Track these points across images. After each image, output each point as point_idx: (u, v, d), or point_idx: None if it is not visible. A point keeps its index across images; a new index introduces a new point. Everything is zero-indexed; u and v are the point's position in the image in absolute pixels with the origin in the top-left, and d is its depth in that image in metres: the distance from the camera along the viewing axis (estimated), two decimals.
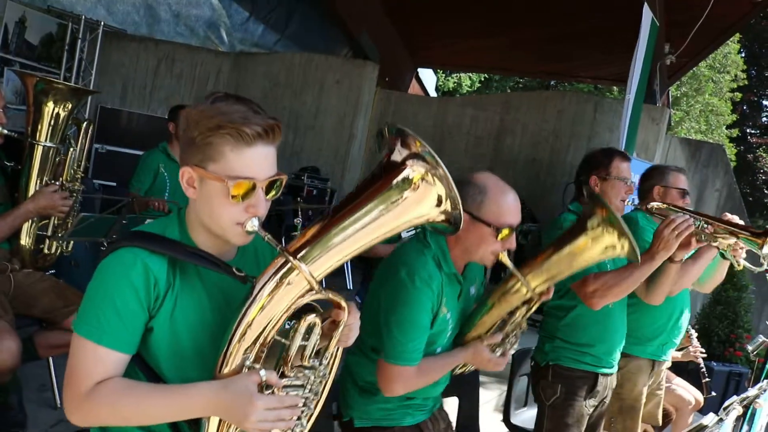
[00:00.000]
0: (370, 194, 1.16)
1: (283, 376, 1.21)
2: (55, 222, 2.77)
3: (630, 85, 6.04)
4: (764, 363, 2.67)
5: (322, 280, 1.19)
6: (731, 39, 18.22)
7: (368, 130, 8.95)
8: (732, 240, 2.20)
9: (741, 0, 7.46)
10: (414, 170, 1.15)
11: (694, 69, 15.63)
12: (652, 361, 2.79)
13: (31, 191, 2.59)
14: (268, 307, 1.15)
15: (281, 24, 10.35)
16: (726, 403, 1.76)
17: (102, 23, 7.32)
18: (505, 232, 1.82)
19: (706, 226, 2.22)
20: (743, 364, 5.78)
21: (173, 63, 8.27)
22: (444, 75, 19.90)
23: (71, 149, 2.74)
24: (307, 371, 1.23)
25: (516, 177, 8.73)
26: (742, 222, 2.37)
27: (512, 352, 2.02)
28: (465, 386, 2.57)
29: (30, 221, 2.62)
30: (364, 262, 5.97)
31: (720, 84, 20.87)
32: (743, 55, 22.12)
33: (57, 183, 2.59)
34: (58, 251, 2.86)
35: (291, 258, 1.14)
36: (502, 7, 9.14)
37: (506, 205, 1.84)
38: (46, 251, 2.80)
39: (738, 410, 1.75)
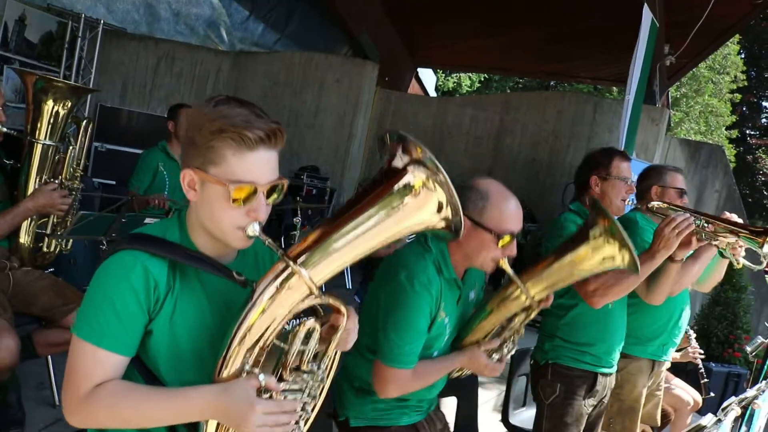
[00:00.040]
0: (371, 200, 1.16)
1: (281, 379, 1.21)
2: (54, 220, 2.77)
3: (629, 86, 6.04)
4: (763, 364, 2.66)
5: (322, 285, 1.19)
6: (731, 40, 18.22)
7: (368, 129, 8.95)
8: (732, 239, 2.21)
9: (741, 1, 7.46)
10: (415, 176, 1.14)
11: (693, 70, 15.64)
12: (652, 361, 2.79)
13: (31, 189, 2.59)
14: (268, 312, 1.16)
15: (281, 23, 10.34)
16: (724, 404, 1.76)
17: (102, 22, 7.31)
18: (506, 238, 1.82)
19: (706, 225, 2.22)
20: (742, 365, 5.79)
21: (173, 62, 8.27)
22: (444, 75, 19.90)
23: (71, 147, 2.74)
24: (305, 375, 1.23)
25: (515, 177, 8.73)
26: (740, 220, 2.38)
27: (509, 357, 2.02)
28: (463, 386, 2.57)
29: (29, 219, 2.61)
30: (363, 262, 5.96)
31: (720, 85, 20.88)
32: (743, 56, 22.12)
33: (56, 181, 2.58)
34: (57, 249, 2.86)
35: (291, 263, 1.14)
36: (502, 7, 9.14)
37: (508, 211, 1.84)
38: (45, 249, 2.79)
39: (736, 411, 1.75)
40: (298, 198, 5.47)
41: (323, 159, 8.36)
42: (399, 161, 1.16)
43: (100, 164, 7.06)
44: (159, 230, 1.31)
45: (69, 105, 2.63)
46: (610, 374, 2.54)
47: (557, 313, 2.48)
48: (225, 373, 1.19)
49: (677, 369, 3.59)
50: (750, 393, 1.92)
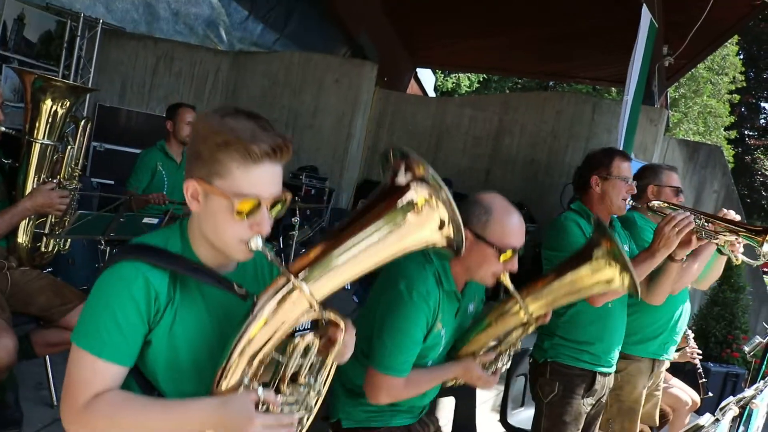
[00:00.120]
0: (373, 216, 1.17)
1: (278, 392, 1.22)
2: (53, 220, 2.77)
3: (628, 87, 6.04)
4: (761, 364, 2.66)
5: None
6: (730, 41, 18.26)
7: (367, 129, 8.95)
8: (732, 238, 2.21)
9: (739, 2, 7.47)
10: (418, 193, 1.15)
11: (692, 71, 15.65)
12: (652, 360, 2.79)
13: (29, 189, 2.58)
14: (269, 326, 1.16)
15: (280, 23, 10.34)
16: (722, 404, 1.76)
17: (101, 21, 7.31)
18: (508, 253, 1.82)
19: (706, 224, 2.22)
20: (740, 365, 5.79)
21: (172, 61, 8.26)
22: (443, 75, 19.91)
23: (69, 147, 2.73)
24: (302, 388, 1.24)
25: (514, 177, 8.74)
26: (739, 217, 2.39)
27: (504, 370, 2.03)
28: (462, 386, 2.57)
29: (27, 219, 2.61)
30: None
31: (718, 86, 20.90)
32: (741, 57, 22.14)
33: (54, 181, 2.58)
34: (56, 249, 2.86)
35: (293, 278, 1.15)
36: (500, 7, 9.14)
37: (510, 226, 1.84)
38: (43, 249, 2.79)
39: (734, 411, 1.75)
40: (296, 198, 5.47)
41: (322, 159, 8.36)
42: (402, 178, 1.16)
43: (98, 164, 7.05)
44: (160, 240, 1.31)
45: (67, 104, 2.63)
46: (609, 374, 2.54)
47: (557, 311, 2.47)
48: (224, 385, 1.19)
49: (675, 369, 3.59)
50: (748, 393, 1.92)
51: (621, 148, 5.69)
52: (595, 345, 2.45)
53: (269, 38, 10.31)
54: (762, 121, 24.65)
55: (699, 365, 3.62)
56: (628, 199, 2.47)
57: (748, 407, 1.88)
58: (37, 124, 2.58)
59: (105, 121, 7.28)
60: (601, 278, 1.82)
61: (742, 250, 2.30)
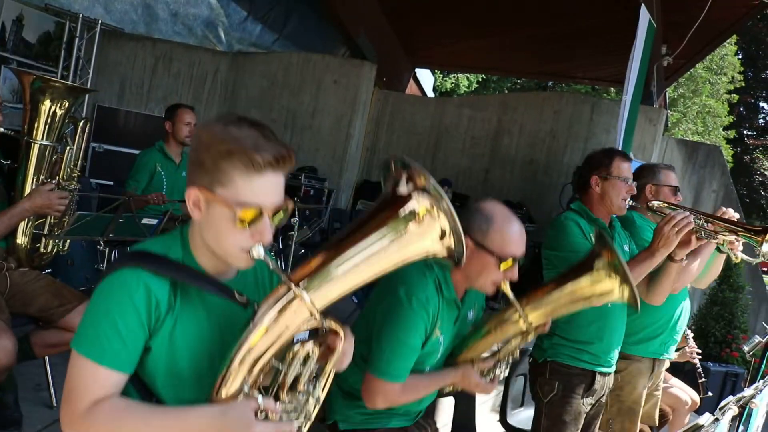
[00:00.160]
0: (375, 226, 1.17)
1: (277, 399, 1.22)
2: (52, 221, 2.76)
3: (627, 86, 6.04)
4: (760, 363, 2.67)
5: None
6: (728, 41, 18.28)
7: (366, 130, 8.95)
8: (731, 237, 2.21)
9: (738, 2, 7.47)
10: (419, 203, 1.15)
11: (691, 70, 15.66)
12: (653, 360, 2.79)
13: (28, 190, 2.58)
14: (269, 334, 1.17)
15: (279, 24, 10.34)
16: (722, 404, 1.76)
17: (99, 22, 7.30)
18: (508, 262, 1.83)
19: (705, 224, 2.22)
20: (740, 365, 5.79)
21: (171, 62, 8.26)
22: (442, 75, 19.91)
23: (68, 148, 2.73)
24: (301, 396, 1.25)
25: (513, 177, 8.75)
26: (737, 215, 2.39)
27: (502, 378, 2.04)
28: (460, 390, 2.57)
29: (26, 220, 2.61)
30: None
31: (717, 86, 20.92)
32: (740, 56, 22.17)
33: (53, 182, 2.58)
34: (55, 250, 2.86)
35: (294, 287, 1.15)
36: (499, 7, 9.15)
37: (511, 235, 1.85)
38: (42, 250, 2.78)
39: (734, 410, 1.75)
40: (295, 199, 5.47)
41: (321, 160, 8.36)
42: (403, 188, 1.16)
43: (97, 165, 7.05)
44: (161, 247, 1.30)
45: (66, 105, 2.63)
46: (609, 374, 2.54)
47: None
48: (224, 393, 1.20)
49: (675, 369, 3.60)
50: (747, 392, 1.92)
51: (620, 148, 5.70)
52: (595, 345, 2.45)
53: (268, 39, 10.30)
54: (761, 120, 24.69)
55: (698, 365, 3.62)
56: (628, 200, 2.47)
57: (747, 407, 1.88)
58: (36, 125, 2.58)
59: (104, 121, 7.28)
60: (601, 290, 1.83)
61: (741, 248, 2.30)
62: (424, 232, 1.16)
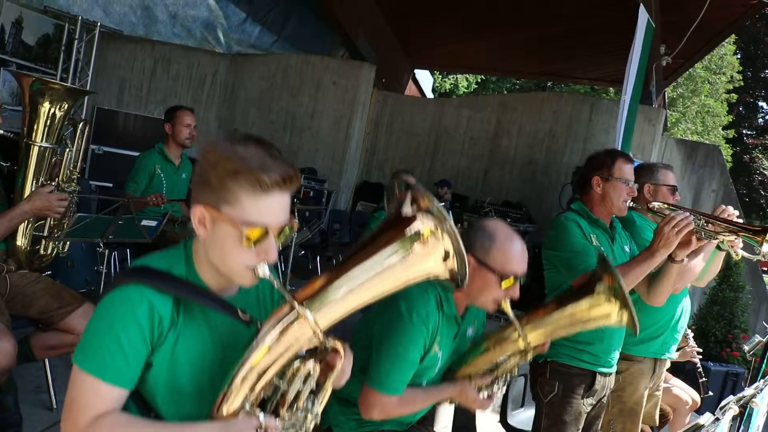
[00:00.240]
0: (379, 246, 1.18)
1: (277, 415, 1.24)
2: (51, 223, 2.76)
3: (626, 86, 6.05)
4: (761, 363, 2.66)
5: None
6: (727, 40, 18.31)
7: (365, 131, 8.95)
8: (731, 238, 2.21)
9: (736, 2, 7.48)
10: (424, 224, 1.16)
11: (690, 70, 15.68)
12: (654, 360, 2.79)
13: (27, 192, 2.57)
14: (272, 353, 1.18)
15: (278, 25, 10.35)
16: (722, 403, 1.76)
17: (99, 24, 7.31)
18: (510, 280, 1.85)
19: (705, 224, 2.22)
20: (740, 365, 5.79)
21: (170, 64, 8.27)
22: (441, 76, 19.93)
23: (67, 150, 2.73)
24: (300, 413, 1.26)
25: (512, 178, 8.75)
26: (737, 212, 2.39)
27: (499, 395, 2.05)
28: None
29: (26, 222, 2.60)
30: None
31: (716, 85, 20.95)
32: (739, 56, 22.20)
33: (53, 184, 2.57)
34: (54, 252, 2.85)
35: (297, 306, 1.16)
36: (498, 8, 9.16)
37: (513, 253, 1.86)
38: (42, 252, 2.78)
39: (734, 410, 1.75)
40: (295, 200, 5.46)
41: (320, 161, 8.37)
42: (407, 209, 1.18)
43: (97, 167, 7.05)
44: (165, 263, 1.30)
45: (65, 107, 2.62)
46: (609, 374, 2.54)
47: None
48: (225, 409, 1.20)
49: (676, 369, 3.59)
50: (748, 392, 1.92)
51: (619, 148, 5.70)
52: (595, 345, 2.44)
53: (267, 40, 10.32)
54: (760, 120, 24.71)
55: (699, 365, 3.62)
56: (629, 201, 2.47)
57: (748, 406, 1.88)
58: (35, 127, 2.57)
59: (103, 123, 7.29)
60: (600, 313, 1.85)
61: (741, 245, 2.29)
62: (428, 252, 1.18)
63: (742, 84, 21.95)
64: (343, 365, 1.27)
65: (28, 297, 2.60)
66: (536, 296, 2.69)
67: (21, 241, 2.65)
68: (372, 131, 9.41)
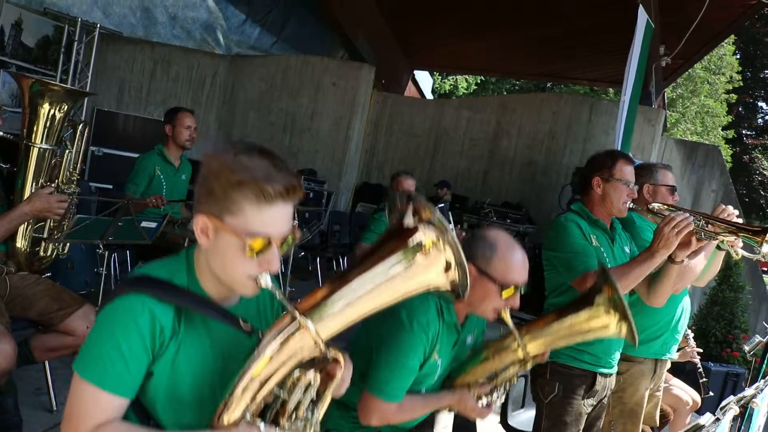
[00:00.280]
0: (381, 257, 1.19)
1: (277, 425, 1.24)
2: (51, 224, 2.76)
3: (625, 87, 6.05)
4: (761, 363, 2.66)
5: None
6: (726, 41, 18.31)
7: (365, 132, 8.95)
8: (731, 238, 2.21)
9: (735, 2, 7.49)
10: (426, 235, 1.17)
11: (689, 71, 15.69)
12: (655, 361, 2.79)
13: (27, 193, 2.57)
14: (273, 363, 1.18)
15: (277, 26, 10.35)
16: (723, 403, 1.76)
17: (98, 26, 7.31)
18: (510, 290, 1.85)
19: (705, 225, 2.22)
20: (740, 365, 5.78)
21: (169, 65, 8.27)
22: (440, 77, 19.94)
23: (67, 151, 2.73)
24: (300, 423, 1.26)
25: (512, 179, 8.75)
26: (737, 211, 2.39)
27: (498, 403, 2.06)
28: None
29: (26, 223, 2.60)
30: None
31: (715, 85, 20.96)
32: (738, 56, 22.21)
33: (53, 185, 2.57)
34: (54, 253, 2.85)
35: (299, 317, 1.16)
36: (498, 9, 9.16)
37: (513, 263, 1.87)
38: (41, 253, 2.78)
39: (735, 410, 1.74)
40: None
41: (320, 162, 8.37)
42: (409, 220, 1.18)
43: (96, 168, 7.05)
44: (166, 272, 1.30)
45: (65, 108, 2.62)
46: (610, 374, 2.53)
47: None
48: (225, 419, 1.20)
49: (676, 369, 3.59)
50: (748, 392, 1.92)
51: (619, 149, 5.70)
52: (595, 345, 2.44)
53: (266, 41, 10.32)
54: (759, 120, 24.72)
55: (699, 365, 3.62)
56: (629, 203, 2.47)
57: (748, 406, 1.88)
58: (35, 129, 2.57)
59: (103, 125, 7.29)
60: (599, 324, 1.85)
61: (741, 244, 2.30)
62: (430, 264, 1.18)
63: (742, 84, 21.96)
64: (343, 375, 1.27)
65: (28, 299, 2.60)
66: (537, 297, 2.69)
67: (21, 242, 2.65)
68: (371, 132, 9.41)
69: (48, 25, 7.01)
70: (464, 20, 9.73)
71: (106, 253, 3.63)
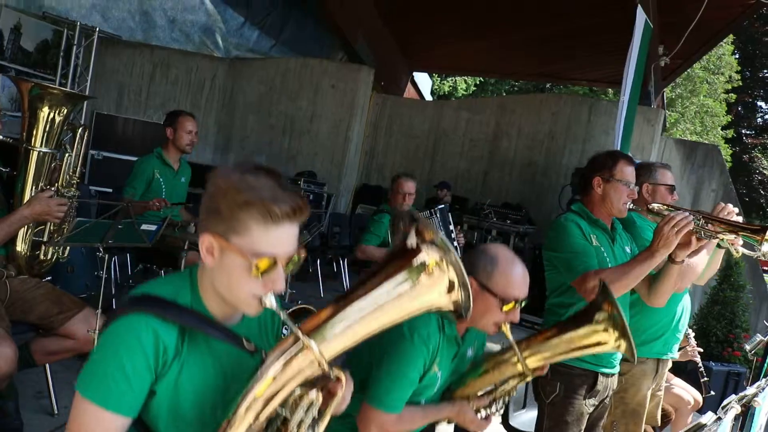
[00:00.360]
0: (385, 277, 1.20)
1: None
2: (51, 228, 2.76)
3: (624, 87, 6.06)
4: (762, 362, 2.66)
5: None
6: (725, 40, 18.33)
7: (364, 134, 8.96)
8: (731, 236, 2.21)
9: (734, 2, 7.50)
10: (429, 255, 1.18)
11: (688, 70, 15.70)
12: (657, 361, 2.79)
13: (27, 197, 2.57)
14: (276, 383, 1.19)
15: (276, 29, 10.36)
16: (724, 402, 1.76)
17: (97, 29, 7.32)
18: (511, 304, 1.86)
19: (705, 224, 2.22)
20: (741, 364, 5.78)
21: (168, 69, 8.27)
22: (439, 78, 19.95)
23: (67, 155, 2.73)
24: None
25: (511, 179, 8.76)
26: (737, 209, 2.39)
27: (497, 416, 2.06)
28: None
29: (26, 227, 2.60)
30: (360, 266, 5.97)
31: (715, 85, 20.97)
32: (737, 56, 22.23)
33: (53, 189, 2.57)
34: (54, 257, 2.85)
35: (303, 337, 1.17)
36: (497, 8, 9.17)
37: (514, 277, 1.88)
38: (41, 257, 2.78)
39: (736, 409, 1.74)
40: None
41: (320, 164, 8.37)
42: (412, 240, 1.20)
43: (96, 172, 7.05)
44: (170, 291, 1.30)
45: (65, 112, 2.63)
46: (612, 374, 2.53)
47: (557, 311, 2.47)
48: None
49: (677, 369, 3.59)
50: (750, 391, 1.91)
51: (618, 149, 5.71)
52: None
53: (265, 44, 10.32)
54: (759, 119, 24.73)
55: (700, 364, 3.62)
56: (629, 203, 2.47)
57: (750, 405, 1.87)
58: (34, 132, 2.58)
59: (102, 128, 7.29)
60: (598, 340, 1.86)
61: (741, 242, 2.30)
62: (433, 284, 1.19)
63: (741, 84, 21.98)
64: (344, 393, 1.27)
65: (28, 302, 2.60)
66: (537, 297, 2.69)
67: (21, 246, 2.65)
68: (371, 134, 9.42)
69: (47, 29, 7.01)
70: (464, 20, 9.74)
71: (107, 256, 3.62)
